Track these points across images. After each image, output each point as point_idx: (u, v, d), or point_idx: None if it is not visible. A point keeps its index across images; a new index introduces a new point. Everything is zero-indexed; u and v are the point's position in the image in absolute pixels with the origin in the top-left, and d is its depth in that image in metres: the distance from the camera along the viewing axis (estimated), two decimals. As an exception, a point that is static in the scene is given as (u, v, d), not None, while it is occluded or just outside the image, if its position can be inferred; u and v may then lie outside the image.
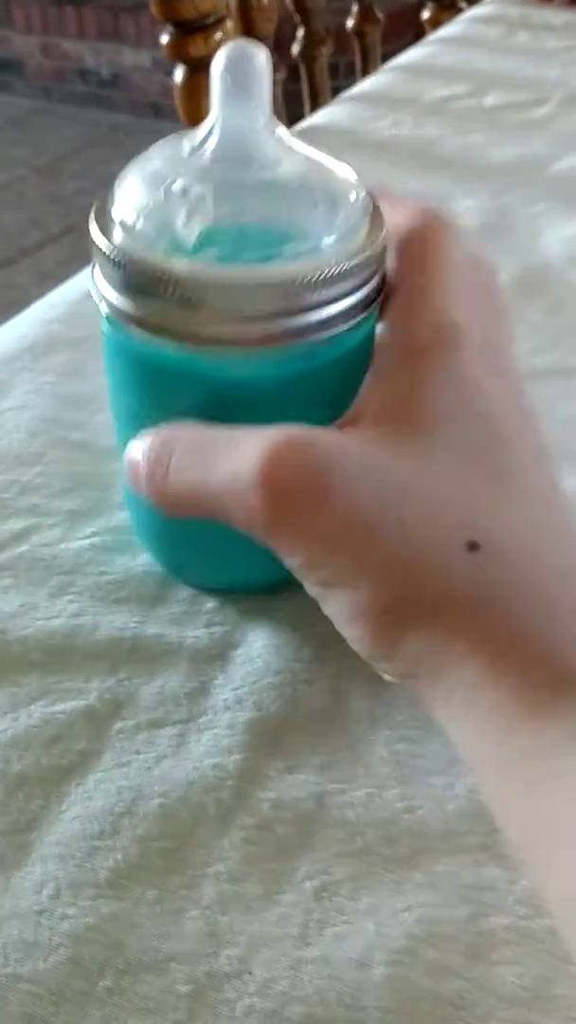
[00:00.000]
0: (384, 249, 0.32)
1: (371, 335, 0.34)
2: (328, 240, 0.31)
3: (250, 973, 0.27)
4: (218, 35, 0.74)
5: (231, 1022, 0.27)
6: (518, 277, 0.59)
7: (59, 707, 0.34)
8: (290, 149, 0.32)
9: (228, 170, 0.31)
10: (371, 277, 0.32)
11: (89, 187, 2.25)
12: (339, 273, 0.30)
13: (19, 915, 0.28)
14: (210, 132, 0.31)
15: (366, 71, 1.11)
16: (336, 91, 1.00)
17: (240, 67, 0.30)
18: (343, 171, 0.33)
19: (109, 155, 2.34)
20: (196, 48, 0.75)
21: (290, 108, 1.01)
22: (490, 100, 0.87)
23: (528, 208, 0.68)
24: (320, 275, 0.30)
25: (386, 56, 1.03)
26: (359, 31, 1.12)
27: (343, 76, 1.48)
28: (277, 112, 0.32)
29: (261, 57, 0.30)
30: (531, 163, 0.75)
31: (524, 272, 0.60)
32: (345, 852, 0.30)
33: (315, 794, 0.32)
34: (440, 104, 0.86)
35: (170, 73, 0.81)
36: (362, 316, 0.32)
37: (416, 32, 1.17)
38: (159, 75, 2.58)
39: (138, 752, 0.33)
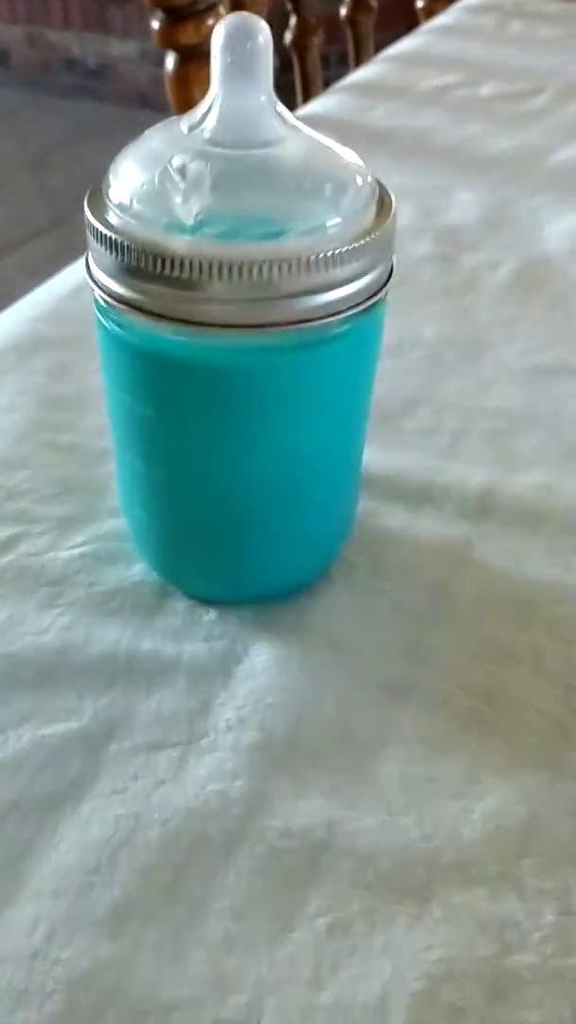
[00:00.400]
0: (392, 234, 0.31)
1: (381, 325, 0.33)
2: (334, 221, 0.29)
3: (259, 1021, 0.25)
4: (210, 21, 0.72)
5: (238, 1073, 0.25)
6: (518, 271, 0.58)
7: (50, 729, 0.32)
8: (292, 128, 0.30)
9: (228, 149, 0.29)
10: (380, 261, 0.30)
11: (77, 180, 2.22)
12: (346, 253, 0.29)
13: (10, 959, 0.26)
14: (209, 110, 0.30)
15: (359, 61, 1.09)
16: (327, 81, 0.98)
17: (240, 42, 0.29)
18: (348, 154, 0.31)
19: (97, 148, 2.30)
20: (187, 35, 0.73)
21: (281, 98, 0.99)
22: (486, 90, 0.85)
23: (527, 200, 0.66)
24: (326, 253, 0.28)
25: (379, 46, 1.01)
26: (352, 20, 1.10)
27: (334, 66, 1.46)
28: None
29: (263, 32, 0.29)
30: (529, 154, 0.73)
31: (524, 266, 0.58)
32: (357, 885, 0.28)
33: (324, 821, 0.30)
34: (435, 94, 0.84)
35: (158, 63, 0.79)
36: (371, 302, 0.31)
37: (408, 22, 1.15)
38: (147, 65, 2.55)
39: (135, 777, 0.31)
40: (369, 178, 0.31)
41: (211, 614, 0.36)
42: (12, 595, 0.36)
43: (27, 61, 2.78)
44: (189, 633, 0.35)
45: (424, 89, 0.85)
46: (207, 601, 0.36)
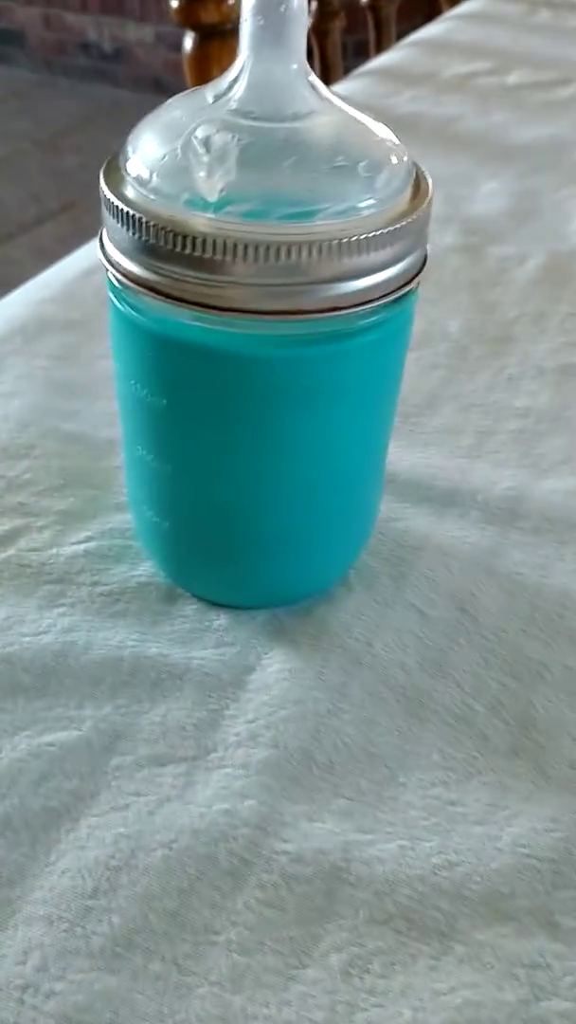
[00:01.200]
0: (428, 218, 0.28)
1: (412, 316, 0.30)
2: (368, 202, 0.27)
3: (267, 1068, 0.23)
4: (231, 0, 0.70)
5: None
6: (545, 264, 0.55)
7: (48, 738, 0.30)
8: (325, 101, 0.28)
9: (256, 120, 0.27)
10: (415, 247, 0.28)
11: (89, 163, 2.19)
12: (380, 237, 0.27)
13: (-2, 991, 0.25)
14: (237, 78, 0.27)
15: (379, 47, 1.07)
16: (346, 71, 0.96)
17: (274, 4, 0.26)
18: (383, 131, 0.29)
19: (110, 131, 2.28)
20: (207, 14, 0.70)
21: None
22: (512, 78, 0.83)
23: (554, 192, 0.64)
24: (359, 237, 0.26)
25: (399, 35, 0.99)
26: (373, 5, 1.07)
27: (352, 56, 1.43)
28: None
29: None
30: (557, 144, 0.71)
31: (551, 259, 0.56)
32: (375, 918, 0.26)
33: (340, 846, 0.28)
34: (461, 81, 0.82)
35: (172, 48, 0.77)
36: (404, 291, 0.28)
37: (428, 12, 1.12)
38: (162, 50, 2.52)
39: (138, 793, 0.29)
40: (405, 157, 0.29)
41: (222, 619, 0.34)
42: (11, 594, 0.34)
43: (43, 43, 2.75)
44: (198, 639, 0.33)
45: (449, 76, 0.82)
46: (218, 605, 0.34)
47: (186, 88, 0.75)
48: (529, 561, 0.36)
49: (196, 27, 0.72)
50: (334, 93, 0.29)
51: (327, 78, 1.03)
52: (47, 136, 2.39)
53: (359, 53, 1.13)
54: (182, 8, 0.71)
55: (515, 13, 0.99)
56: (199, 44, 0.72)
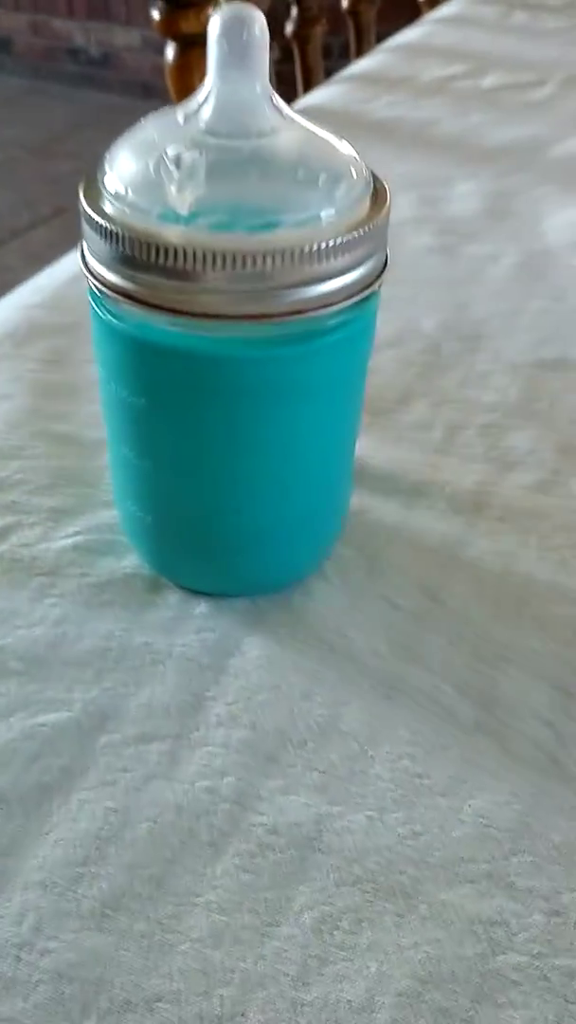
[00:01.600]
0: (387, 225, 0.30)
1: (374, 317, 0.32)
2: (328, 212, 0.29)
3: (243, 1015, 0.25)
4: (210, 10, 0.72)
5: (223, 1069, 0.25)
6: (520, 263, 0.57)
7: (40, 719, 0.32)
8: (287, 119, 0.30)
9: (223, 138, 0.29)
10: (374, 253, 0.30)
11: (81, 168, 2.21)
12: (340, 244, 0.29)
13: (-5, 951, 0.26)
14: (205, 100, 0.29)
15: (360, 52, 1.09)
16: (329, 73, 0.98)
17: (236, 32, 0.28)
18: (343, 146, 0.31)
19: (100, 137, 2.30)
20: (188, 24, 0.72)
21: (282, 89, 0.98)
22: (489, 81, 0.85)
23: (529, 192, 0.66)
24: (322, 244, 0.28)
25: (380, 37, 1.01)
26: (354, 10, 1.09)
27: (337, 57, 1.45)
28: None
29: (259, 22, 0.29)
30: (532, 145, 0.73)
31: (526, 258, 0.58)
32: (344, 881, 0.28)
33: (312, 818, 0.30)
34: (438, 84, 0.83)
35: (161, 52, 0.79)
36: (366, 293, 0.30)
37: (411, 14, 1.14)
38: (149, 54, 2.54)
39: (125, 769, 0.31)
40: (364, 170, 0.31)
41: (203, 607, 0.35)
42: (4, 587, 0.36)
43: (31, 49, 2.77)
44: (181, 626, 0.35)
45: (427, 80, 0.84)
46: (200, 594, 0.36)
47: (171, 94, 0.76)
48: (494, 550, 0.38)
49: (177, 37, 0.74)
50: (302, 109, 0.31)
51: (308, 83, 1.05)
52: (39, 142, 2.41)
53: (345, 55, 1.15)
54: (163, 19, 0.73)
55: (492, 15, 1.01)
56: (180, 53, 0.74)
